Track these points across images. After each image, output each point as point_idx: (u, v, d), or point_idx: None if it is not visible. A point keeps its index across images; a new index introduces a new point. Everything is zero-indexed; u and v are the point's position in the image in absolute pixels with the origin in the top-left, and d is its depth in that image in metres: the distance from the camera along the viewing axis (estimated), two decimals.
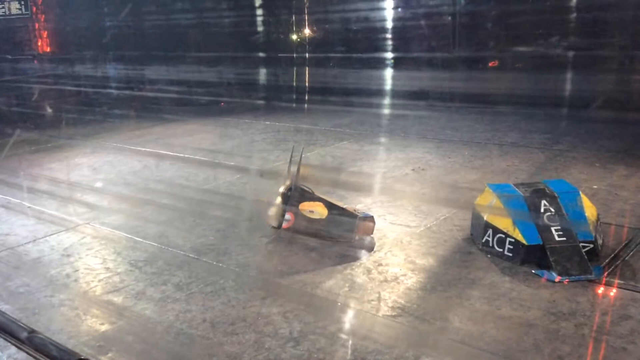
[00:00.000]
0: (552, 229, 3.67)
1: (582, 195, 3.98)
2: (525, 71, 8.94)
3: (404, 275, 3.60)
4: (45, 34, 10.91)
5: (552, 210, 3.75)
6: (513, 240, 3.69)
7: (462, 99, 9.06)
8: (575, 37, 8.28)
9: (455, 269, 3.66)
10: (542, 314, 3.09)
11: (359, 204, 4.82)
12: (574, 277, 3.42)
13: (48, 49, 11.03)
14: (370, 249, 4.00)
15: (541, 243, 3.61)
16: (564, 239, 3.62)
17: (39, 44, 10.93)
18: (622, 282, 3.37)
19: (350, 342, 2.94)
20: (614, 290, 3.31)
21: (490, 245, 3.82)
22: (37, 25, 10.85)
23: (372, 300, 3.33)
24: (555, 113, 8.01)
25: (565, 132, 7.10)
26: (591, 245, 3.62)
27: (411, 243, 4.08)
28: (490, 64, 9.56)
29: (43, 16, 10.84)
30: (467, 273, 3.59)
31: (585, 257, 3.52)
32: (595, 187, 5.02)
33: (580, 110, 7.74)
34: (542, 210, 3.75)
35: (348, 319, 3.24)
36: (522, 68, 9.07)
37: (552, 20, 8.53)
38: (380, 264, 3.76)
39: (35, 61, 10.90)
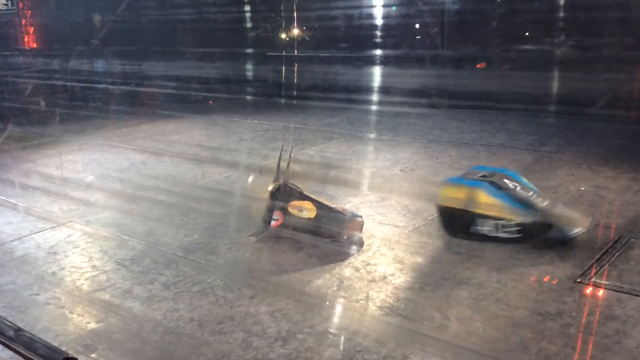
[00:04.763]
0: (530, 198, 3.95)
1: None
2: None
3: (392, 274, 3.61)
4: (31, 29, 10.80)
5: (517, 184, 4.02)
6: (516, 222, 3.91)
7: (451, 98, 9.09)
8: (568, 36, 8.30)
9: (443, 269, 3.68)
10: (528, 313, 3.11)
11: (348, 204, 4.83)
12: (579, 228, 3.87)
13: (34, 45, 10.92)
14: (359, 248, 4.01)
15: (538, 215, 3.90)
16: (547, 202, 3.99)
17: (25, 39, 10.81)
18: (608, 282, 3.41)
19: (338, 341, 2.94)
20: (600, 290, 3.35)
21: (485, 232, 3.99)
22: (23, 21, 10.74)
23: (361, 299, 3.33)
24: (542, 114, 8.05)
25: (552, 134, 7.15)
26: None
27: (399, 243, 4.08)
28: (478, 66, 9.57)
29: (29, 12, 10.73)
30: (455, 273, 3.60)
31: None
32: (582, 188, 5.06)
33: (570, 111, 7.78)
34: (511, 187, 3.99)
35: (336, 318, 3.24)
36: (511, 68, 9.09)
37: (540, 19, 8.57)
38: (369, 264, 3.76)
39: (21, 57, 10.78)
